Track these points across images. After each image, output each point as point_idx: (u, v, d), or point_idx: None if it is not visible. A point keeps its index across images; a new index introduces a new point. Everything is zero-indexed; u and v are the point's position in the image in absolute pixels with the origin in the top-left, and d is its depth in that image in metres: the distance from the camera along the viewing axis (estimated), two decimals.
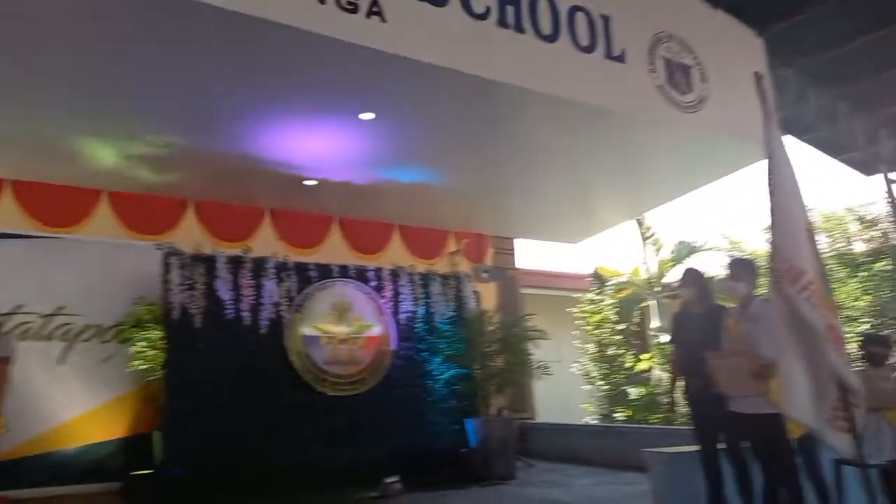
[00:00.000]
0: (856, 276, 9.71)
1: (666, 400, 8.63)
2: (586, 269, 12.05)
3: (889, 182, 9.03)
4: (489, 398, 7.73)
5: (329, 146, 7.11)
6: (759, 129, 3.55)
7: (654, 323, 10.65)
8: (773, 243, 3.31)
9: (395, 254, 9.38)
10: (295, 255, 7.83)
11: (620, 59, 6.71)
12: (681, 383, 4.77)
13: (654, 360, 10.24)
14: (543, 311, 8.89)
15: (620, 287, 11.14)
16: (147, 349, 6.69)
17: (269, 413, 6.57)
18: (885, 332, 8.28)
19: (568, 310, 11.37)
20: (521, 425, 7.87)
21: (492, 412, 7.73)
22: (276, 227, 8.84)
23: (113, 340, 7.04)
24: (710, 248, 10.85)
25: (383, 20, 5.34)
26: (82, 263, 7.13)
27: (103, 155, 6.94)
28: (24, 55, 5.14)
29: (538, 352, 8.01)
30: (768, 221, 3.39)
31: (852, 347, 5.74)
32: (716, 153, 7.72)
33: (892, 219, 9.23)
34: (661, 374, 9.86)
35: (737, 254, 10.00)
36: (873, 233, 10.13)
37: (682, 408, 5.84)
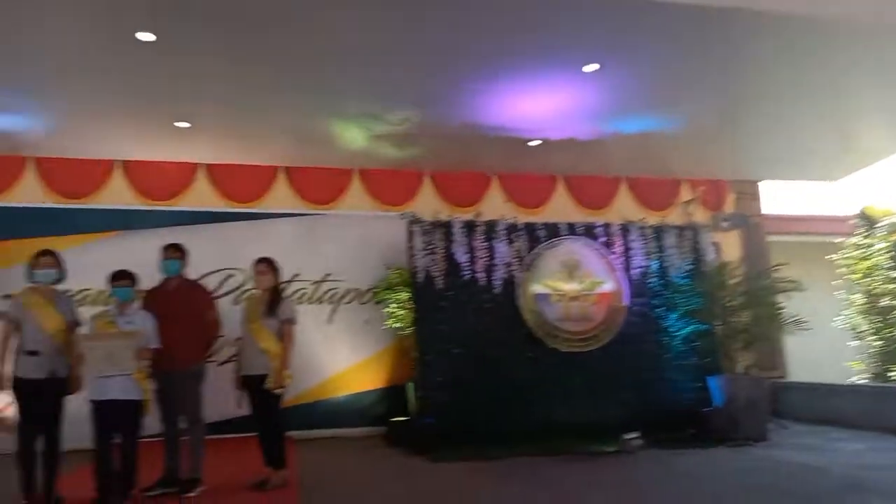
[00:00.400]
0: None
1: None
2: (849, 209, 10.49)
3: None
4: (734, 355, 7.25)
5: (552, 104, 7.12)
6: None
7: None
8: None
9: (624, 207, 9.16)
10: (522, 216, 8.06)
11: None
12: None
13: None
14: (795, 259, 8.00)
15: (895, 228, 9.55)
16: (398, 309, 7.49)
17: (506, 368, 6.93)
18: None
19: (827, 257, 10.08)
20: (771, 384, 7.28)
21: (738, 370, 7.26)
22: (504, 190, 9.17)
23: (369, 302, 8.04)
24: None
25: None
26: (342, 235, 8.20)
27: (354, 137, 7.79)
28: (292, 53, 5.94)
29: (790, 305, 7.29)
30: None
31: None
32: None
33: None
34: None
35: None
36: None
37: None
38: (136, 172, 8.14)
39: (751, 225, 9.69)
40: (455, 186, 9.00)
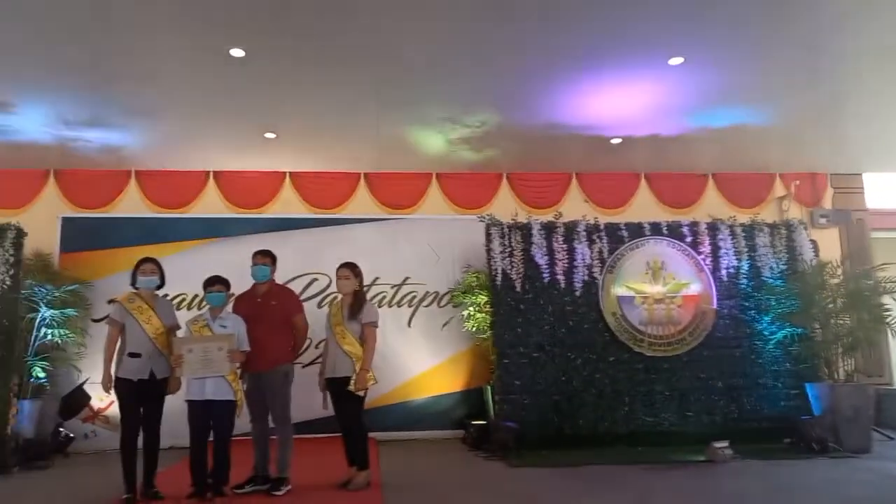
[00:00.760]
0: None
1: None
2: None
3: None
4: (835, 361, 6.81)
5: (635, 100, 6.92)
6: None
7: None
8: None
9: (711, 205, 8.79)
10: (602, 216, 7.89)
11: None
12: None
13: None
14: None
15: None
16: (476, 312, 7.49)
17: (588, 372, 6.80)
18: None
19: None
20: (875, 392, 6.78)
21: (839, 377, 6.81)
22: (584, 190, 9.01)
23: (447, 305, 8.11)
24: None
25: None
26: (420, 239, 8.31)
27: (432, 142, 7.86)
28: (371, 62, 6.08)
29: None
30: None
31: None
32: None
33: None
34: None
35: None
36: None
37: None
38: (226, 183, 8.55)
39: (852, 221, 9.08)
40: (533, 187, 8.92)
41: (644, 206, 8.89)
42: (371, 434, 5.17)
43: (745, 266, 7.26)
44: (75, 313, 7.21)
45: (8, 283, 6.33)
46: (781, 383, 6.95)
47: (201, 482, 4.56)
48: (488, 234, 7.10)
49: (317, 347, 6.62)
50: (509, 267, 7.00)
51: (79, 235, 7.90)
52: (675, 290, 7.11)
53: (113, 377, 4.64)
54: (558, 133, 7.68)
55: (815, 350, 6.85)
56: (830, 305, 6.89)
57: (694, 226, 7.37)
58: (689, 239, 7.28)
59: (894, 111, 7.31)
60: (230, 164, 8.40)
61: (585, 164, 8.76)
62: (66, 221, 7.96)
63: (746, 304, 7.16)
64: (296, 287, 7.30)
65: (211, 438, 4.62)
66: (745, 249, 7.31)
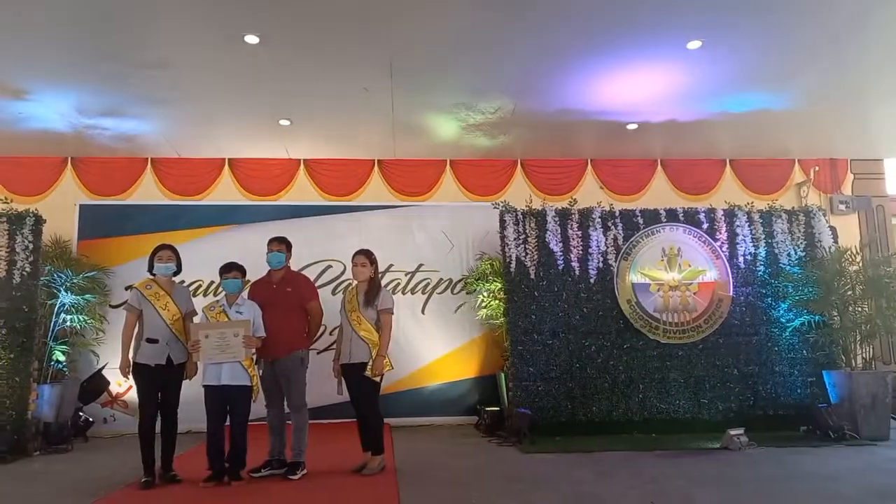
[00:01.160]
0: None
1: None
2: None
3: None
4: (852, 348, 6.74)
5: (652, 85, 6.83)
6: None
7: None
8: None
9: (728, 191, 8.69)
10: (619, 203, 7.83)
11: None
12: None
13: None
14: None
15: None
16: (489, 299, 7.49)
17: (602, 359, 6.80)
18: None
19: None
20: (894, 379, 6.69)
21: (857, 364, 6.74)
22: (599, 176, 8.94)
23: (461, 292, 8.11)
24: None
25: None
26: (434, 226, 8.30)
27: (447, 129, 7.82)
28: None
29: None
30: None
31: None
32: None
33: None
34: None
35: None
36: None
37: None
38: (242, 170, 8.57)
39: (872, 207, 8.94)
40: (547, 173, 8.86)
41: (660, 193, 8.81)
42: (385, 419, 5.19)
43: (762, 253, 7.19)
44: (94, 299, 7.30)
45: (28, 269, 6.42)
46: (798, 371, 6.91)
47: (218, 466, 4.62)
48: (502, 221, 7.08)
49: (331, 334, 6.67)
50: (523, 254, 6.98)
51: (96, 222, 7.98)
52: (691, 277, 7.06)
53: (131, 362, 4.69)
54: (573, 119, 7.61)
55: (833, 337, 6.78)
56: (849, 293, 6.81)
57: (711, 212, 7.30)
58: (705, 225, 7.21)
59: None
60: (245, 151, 8.42)
61: (601, 150, 8.69)
62: (84, 208, 8.05)
63: (763, 291, 7.10)
64: (310, 274, 7.35)
65: (227, 423, 4.67)
66: (763, 236, 7.24)
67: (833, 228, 7.49)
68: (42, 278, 6.70)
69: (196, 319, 4.91)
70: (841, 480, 4.71)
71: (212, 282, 7.65)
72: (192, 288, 7.30)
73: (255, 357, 4.80)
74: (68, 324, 7.08)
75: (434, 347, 8.02)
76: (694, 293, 7.02)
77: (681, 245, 7.13)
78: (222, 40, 5.72)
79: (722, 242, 7.18)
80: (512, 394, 6.79)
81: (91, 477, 5.09)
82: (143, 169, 8.44)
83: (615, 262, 7.02)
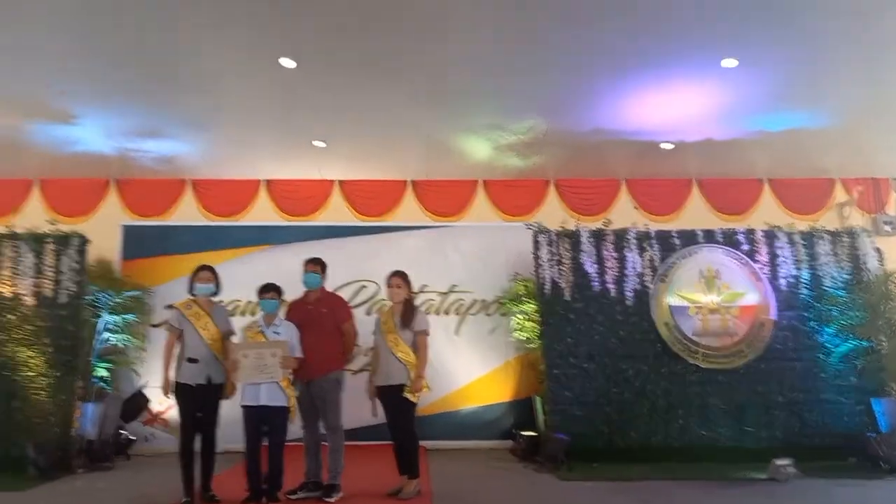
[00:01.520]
0: None
1: None
2: None
3: None
4: None
5: (687, 104, 6.80)
6: None
7: None
8: None
9: (767, 212, 8.53)
10: (654, 224, 7.73)
11: None
12: None
13: None
14: None
15: None
16: (524, 321, 7.42)
17: (640, 384, 6.65)
18: None
19: None
20: None
21: None
22: (634, 196, 8.86)
23: (495, 313, 8.06)
24: None
25: None
26: (467, 246, 8.29)
27: (480, 149, 7.85)
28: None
29: None
30: None
31: None
32: None
33: None
34: None
35: None
36: None
37: None
38: (277, 191, 8.70)
39: None
40: (581, 194, 8.81)
41: (696, 213, 8.69)
42: (420, 442, 5.16)
43: (805, 275, 7.01)
44: (136, 318, 7.44)
45: (73, 289, 6.57)
46: (845, 398, 6.66)
47: (256, 487, 4.63)
48: (536, 242, 7.04)
49: (365, 355, 6.66)
50: (558, 275, 6.92)
51: (139, 243, 8.15)
52: (731, 300, 6.90)
53: (172, 382, 4.76)
54: (606, 139, 7.58)
55: (882, 363, 6.55)
56: None
57: (750, 233, 7.15)
58: (744, 247, 7.07)
59: None
60: (281, 172, 8.55)
61: (635, 169, 8.62)
62: (127, 229, 8.23)
63: (807, 314, 6.90)
64: (345, 294, 7.37)
65: (265, 443, 4.69)
66: (805, 258, 7.07)
67: (879, 250, 7.27)
68: (86, 298, 6.85)
69: (234, 339, 4.96)
70: None
71: (249, 302, 7.73)
72: (230, 308, 7.39)
73: (292, 378, 4.82)
74: (110, 342, 7.22)
75: (469, 370, 7.96)
76: (734, 316, 6.86)
77: (719, 267, 6.99)
78: (260, 64, 5.85)
79: (762, 264, 7.02)
80: (549, 418, 6.69)
81: (133, 495, 5.14)
82: (183, 190, 8.63)
83: (652, 283, 6.91)
